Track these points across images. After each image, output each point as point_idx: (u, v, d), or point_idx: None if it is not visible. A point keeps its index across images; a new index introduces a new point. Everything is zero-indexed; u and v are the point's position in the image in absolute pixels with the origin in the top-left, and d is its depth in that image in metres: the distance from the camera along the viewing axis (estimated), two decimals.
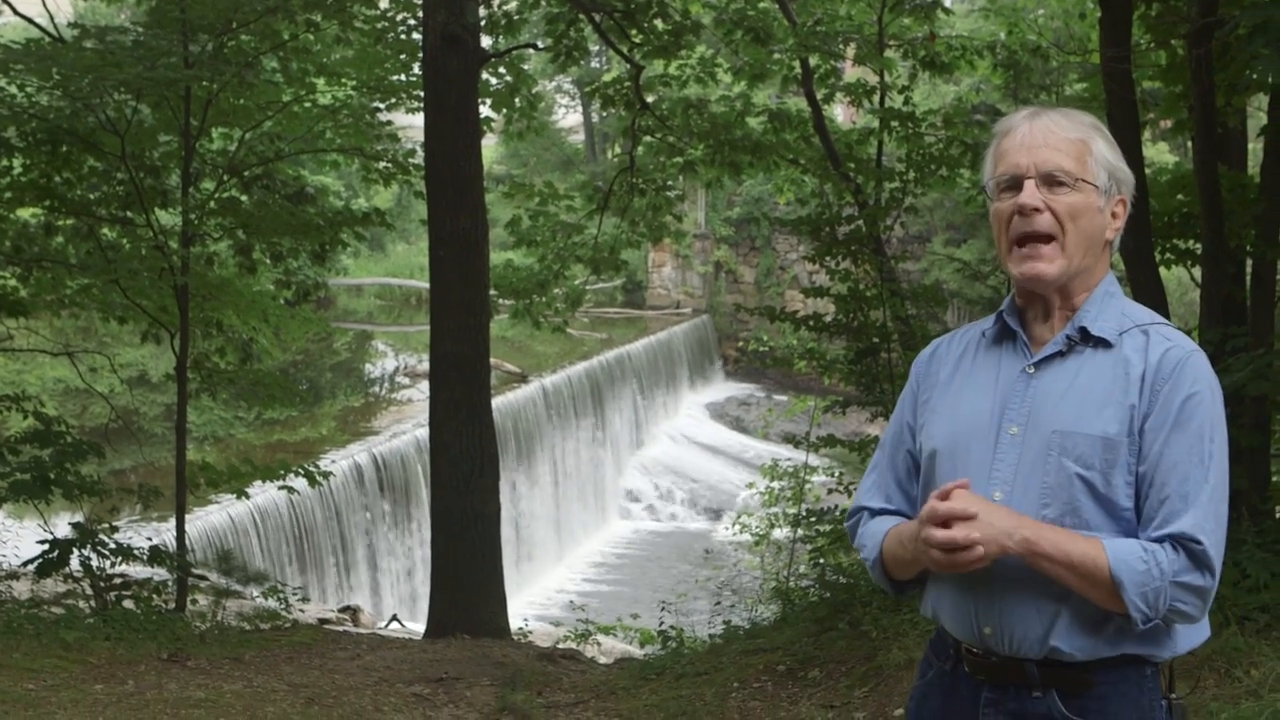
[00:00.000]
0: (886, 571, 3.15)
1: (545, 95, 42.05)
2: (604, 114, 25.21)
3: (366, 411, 28.01)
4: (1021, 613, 2.91)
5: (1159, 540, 2.82)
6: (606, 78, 17.07)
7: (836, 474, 13.53)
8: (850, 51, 15.85)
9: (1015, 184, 2.98)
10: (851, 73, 18.40)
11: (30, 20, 12.89)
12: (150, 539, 12.88)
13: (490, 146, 35.48)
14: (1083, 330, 2.99)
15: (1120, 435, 2.87)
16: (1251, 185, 9.01)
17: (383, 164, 15.12)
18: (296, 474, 13.56)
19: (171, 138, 13.18)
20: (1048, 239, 2.96)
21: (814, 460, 15.17)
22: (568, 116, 54.60)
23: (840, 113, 31.52)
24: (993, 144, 3.09)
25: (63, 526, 11.70)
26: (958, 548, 2.82)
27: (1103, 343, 2.97)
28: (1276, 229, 8.64)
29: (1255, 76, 7.81)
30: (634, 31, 14.99)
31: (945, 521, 2.84)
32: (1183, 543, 2.80)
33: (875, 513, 3.24)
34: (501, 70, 15.62)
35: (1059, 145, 2.97)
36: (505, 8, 15.67)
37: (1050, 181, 2.95)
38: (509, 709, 8.13)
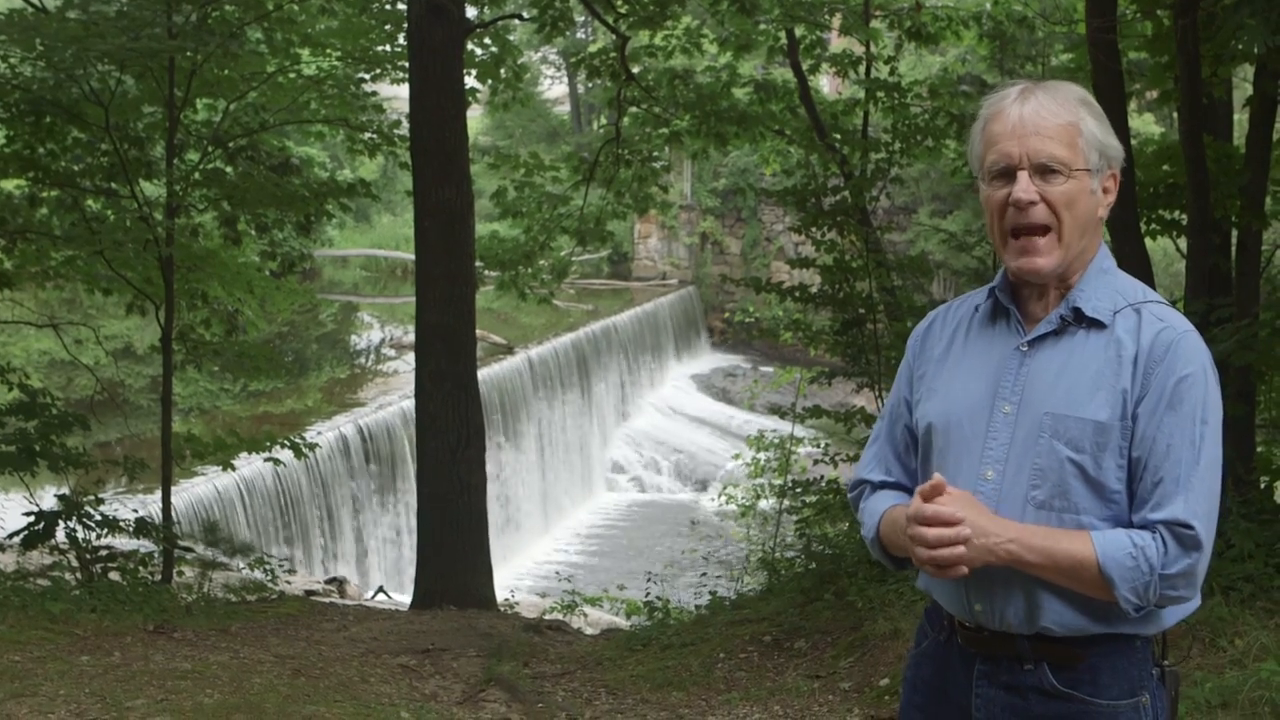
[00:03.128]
0: (885, 549, 3.17)
1: (530, 66, 41.94)
2: (589, 85, 25.11)
3: (352, 383, 27.99)
4: (1011, 593, 2.94)
5: (1150, 525, 2.83)
6: (592, 48, 17.01)
7: (822, 445, 13.53)
8: (836, 22, 15.81)
9: (1008, 174, 2.96)
10: (837, 43, 18.37)
11: None
12: (136, 511, 12.87)
13: (475, 118, 35.37)
14: (1076, 310, 2.98)
15: (1112, 420, 2.87)
16: (1237, 156, 9.02)
17: (368, 135, 15.09)
18: (282, 446, 13.56)
19: (156, 109, 13.14)
20: (1044, 230, 2.96)
21: (800, 431, 15.18)
22: (553, 87, 54.50)
23: (826, 83, 31.42)
24: (980, 124, 3.05)
25: (48, 498, 11.68)
26: (942, 563, 2.85)
27: (1096, 323, 2.96)
28: (1262, 200, 8.66)
29: (1241, 47, 7.82)
30: (619, 2, 14.95)
31: (932, 523, 2.85)
32: (1173, 528, 2.81)
33: (876, 486, 3.26)
34: (487, 41, 15.57)
35: (1051, 133, 2.93)
36: None
37: (1044, 171, 2.93)
38: (495, 680, 8.14)
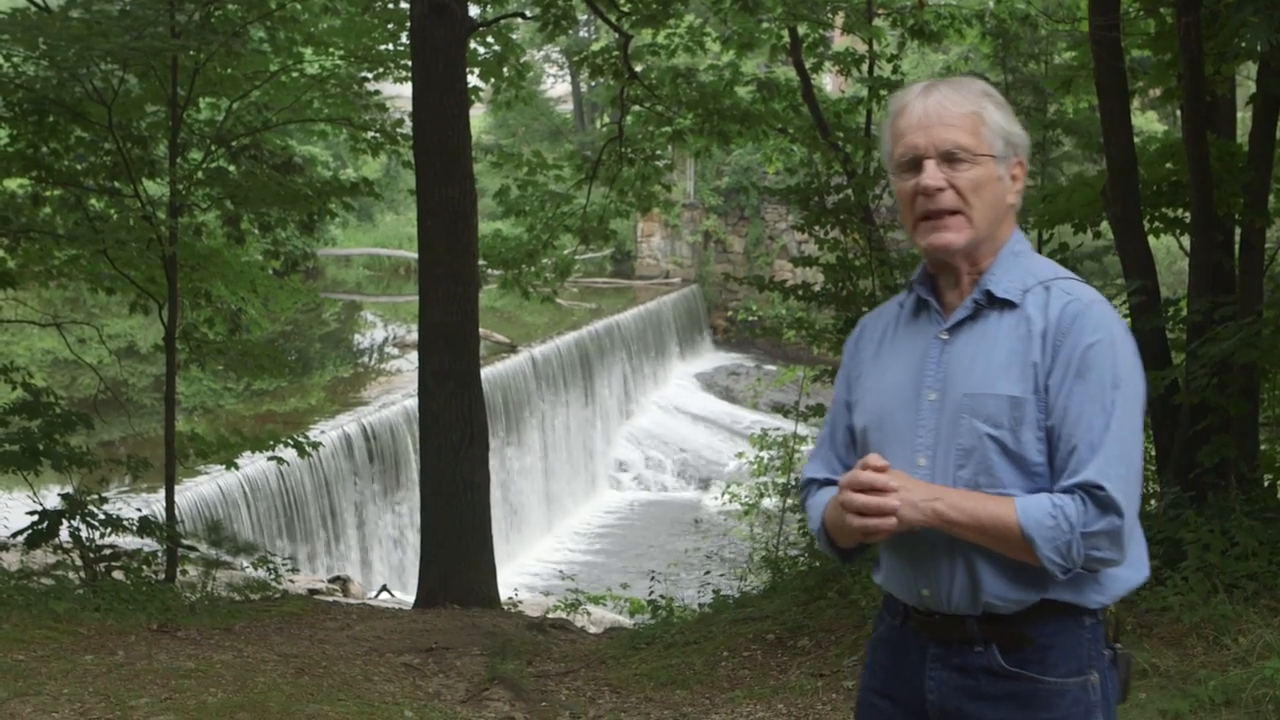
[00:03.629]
0: (831, 539, 3.25)
1: (533, 65, 41.94)
2: (592, 83, 25.11)
3: (356, 382, 28.00)
4: (951, 573, 3.03)
5: (1069, 490, 2.91)
6: (595, 47, 17.03)
7: None
8: (839, 20, 15.79)
9: (915, 164, 3.06)
10: (840, 41, 18.37)
11: None
12: (140, 510, 12.89)
13: (478, 116, 35.37)
14: (988, 293, 3.07)
15: (1026, 393, 2.95)
16: (1240, 154, 9.00)
17: (370, 134, 15.09)
18: (286, 444, 13.57)
19: (158, 108, 13.14)
20: (952, 213, 3.05)
21: (803, 429, 15.17)
22: (556, 86, 54.53)
23: (829, 82, 31.44)
24: (888, 122, 3.16)
25: (52, 498, 11.68)
26: (872, 512, 2.93)
27: (1008, 304, 3.05)
28: (1265, 197, 8.65)
29: (1244, 44, 7.80)
30: (622, 0, 14.94)
31: (864, 488, 2.94)
32: (1088, 490, 2.89)
33: (821, 484, 3.33)
34: (489, 39, 15.57)
35: (954, 121, 3.04)
36: None
37: (950, 159, 3.03)
38: (499, 678, 8.14)
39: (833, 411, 3.38)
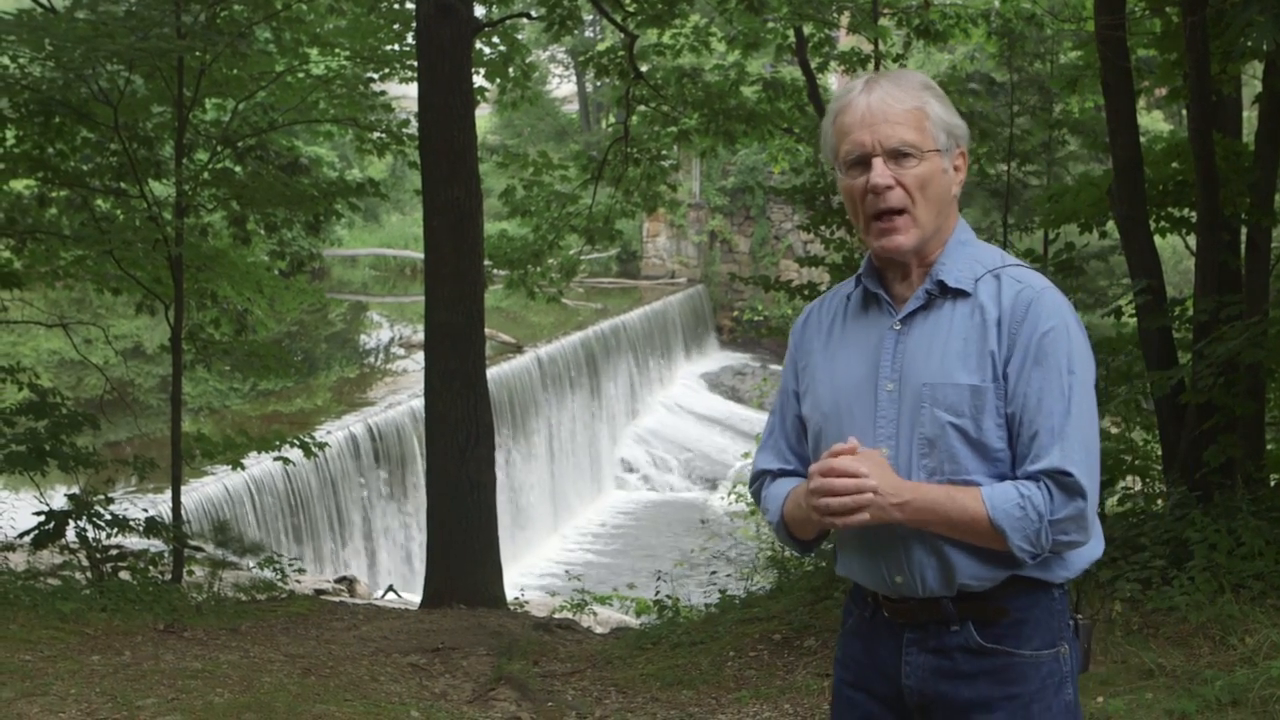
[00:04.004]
0: (790, 532, 3.27)
1: (539, 65, 41.91)
2: (598, 83, 25.14)
3: (362, 382, 28.02)
4: (924, 558, 3.06)
5: (1033, 476, 2.96)
6: (600, 47, 17.00)
7: None
8: (844, 20, 15.78)
9: (863, 161, 3.08)
10: (846, 41, 18.34)
11: None
12: (146, 510, 12.87)
13: (484, 116, 35.36)
14: (940, 283, 3.11)
15: (985, 382, 3.00)
16: (1246, 153, 9.00)
17: (376, 134, 15.10)
18: (292, 445, 13.58)
19: (165, 108, 13.15)
20: (901, 211, 3.08)
21: None
22: (561, 86, 54.49)
23: (835, 81, 31.42)
24: (830, 117, 3.17)
25: (58, 498, 11.69)
26: (846, 510, 2.95)
27: (960, 293, 3.09)
28: (1271, 197, 8.65)
29: (1250, 44, 7.79)
30: (628, 0, 14.94)
31: (834, 476, 2.96)
32: (1054, 476, 2.94)
33: (775, 475, 3.35)
34: (495, 40, 15.57)
35: (899, 118, 3.06)
36: None
37: (897, 156, 3.06)
38: (505, 679, 8.14)
39: (780, 400, 3.39)
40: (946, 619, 3.08)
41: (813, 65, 15.44)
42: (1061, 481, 2.94)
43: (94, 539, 11.04)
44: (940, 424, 3.01)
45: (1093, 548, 3.13)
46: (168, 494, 13.06)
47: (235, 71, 13.18)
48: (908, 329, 3.11)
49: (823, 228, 11.71)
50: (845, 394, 3.16)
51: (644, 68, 16.06)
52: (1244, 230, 8.87)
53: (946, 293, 3.09)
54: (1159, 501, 8.90)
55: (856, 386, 3.14)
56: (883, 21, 15.30)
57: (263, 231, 14.85)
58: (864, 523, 2.95)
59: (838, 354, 3.22)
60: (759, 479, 3.40)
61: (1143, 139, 9.37)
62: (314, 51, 14.60)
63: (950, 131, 3.11)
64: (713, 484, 29.05)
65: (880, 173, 3.04)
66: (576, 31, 15.92)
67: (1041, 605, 3.09)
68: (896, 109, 3.06)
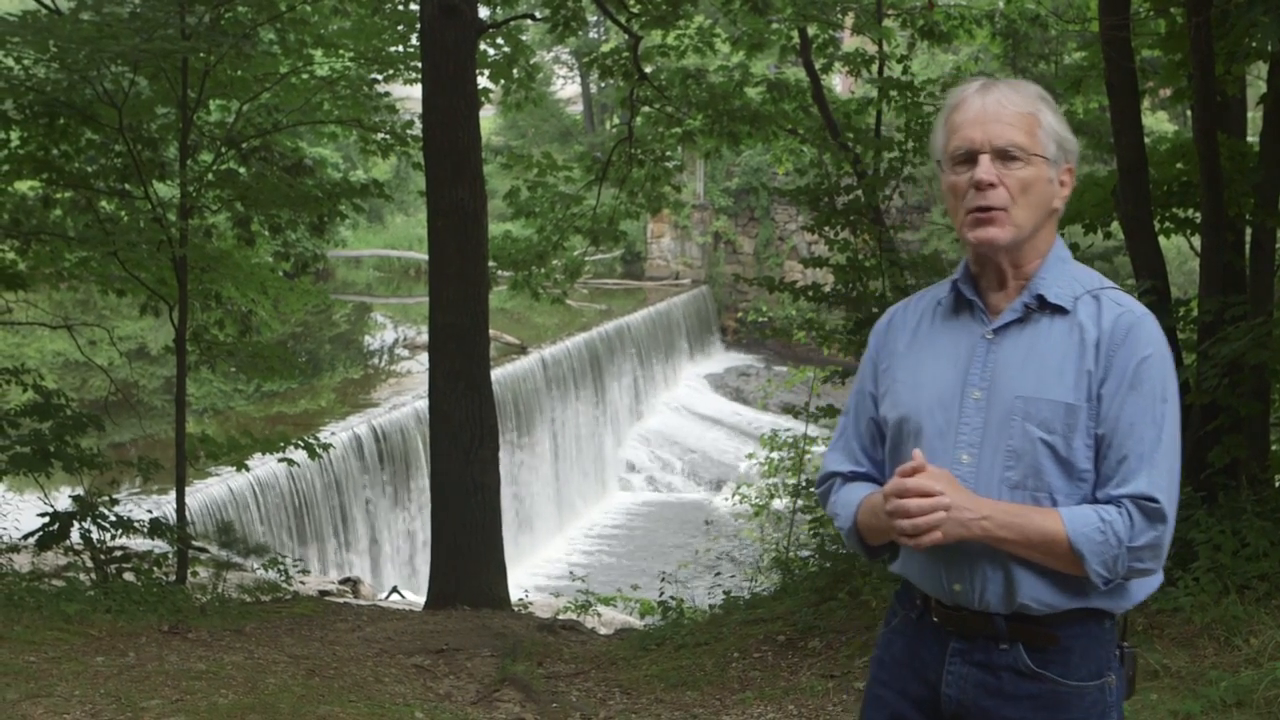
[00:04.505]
0: (861, 539, 3.27)
1: (543, 66, 41.95)
2: (602, 84, 25.19)
3: (366, 383, 28.03)
4: (989, 572, 3.05)
5: (1116, 500, 2.96)
6: (604, 48, 17.02)
7: None
8: (849, 21, 15.81)
9: (970, 158, 3.08)
10: (850, 42, 18.34)
11: None
12: (150, 511, 12.88)
13: (488, 118, 35.42)
14: (1039, 298, 3.10)
15: (1080, 401, 2.99)
16: (1251, 154, 8.99)
17: (381, 135, 15.10)
18: (296, 446, 13.59)
19: (169, 110, 13.16)
20: (1000, 210, 3.07)
21: (813, 430, 15.16)
22: (566, 87, 54.50)
23: (839, 83, 31.43)
24: (944, 114, 3.18)
25: (63, 499, 11.70)
26: (918, 531, 2.95)
27: (1059, 309, 3.08)
28: (1275, 197, 8.63)
29: (1255, 44, 7.80)
30: (632, 1, 14.95)
31: (909, 496, 2.96)
32: (1139, 501, 2.95)
33: (846, 478, 3.35)
34: (499, 41, 15.59)
35: (1011, 120, 3.07)
36: None
37: (1004, 156, 3.06)
38: (509, 680, 8.14)
39: (855, 401, 3.38)
40: (997, 636, 3.08)
41: (817, 66, 15.45)
42: (1145, 508, 2.94)
43: (98, 540, 11.05)
44: (1031, 439, 3.00)
45: (1155, 579, 3.13)
46: (172, 495, 13.06)
47: (239, 73, 13.19)
48: (1000, 339, 3.11)
49: (827, 229, 11.70)
50: (928, 398, 3.16)
51: (648, 69, 16.08)
52: (1249, 231, 8.87)
53: (1045, 308, 3.09)
54: None
55: (941, 392, 3.14)
56: (887, 22, 15.33)
57: (267, 233, 14.85)
58: (938, 542, 2.95)
59: (923, 357, 3.22)
60: (828, 480, 3.39)
61: (1147, 140, 9.35)
62: (318, 53, 14.60)
63: (1061, 144, 3.11)
64: (717, 485, 29.04)
65: (986, 169, 3.05)
66: (581, 33, 15.92)
67: (1091, 634, 3.08)
68: (1010, 111, 3.07)
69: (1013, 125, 3.05)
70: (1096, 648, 3.08)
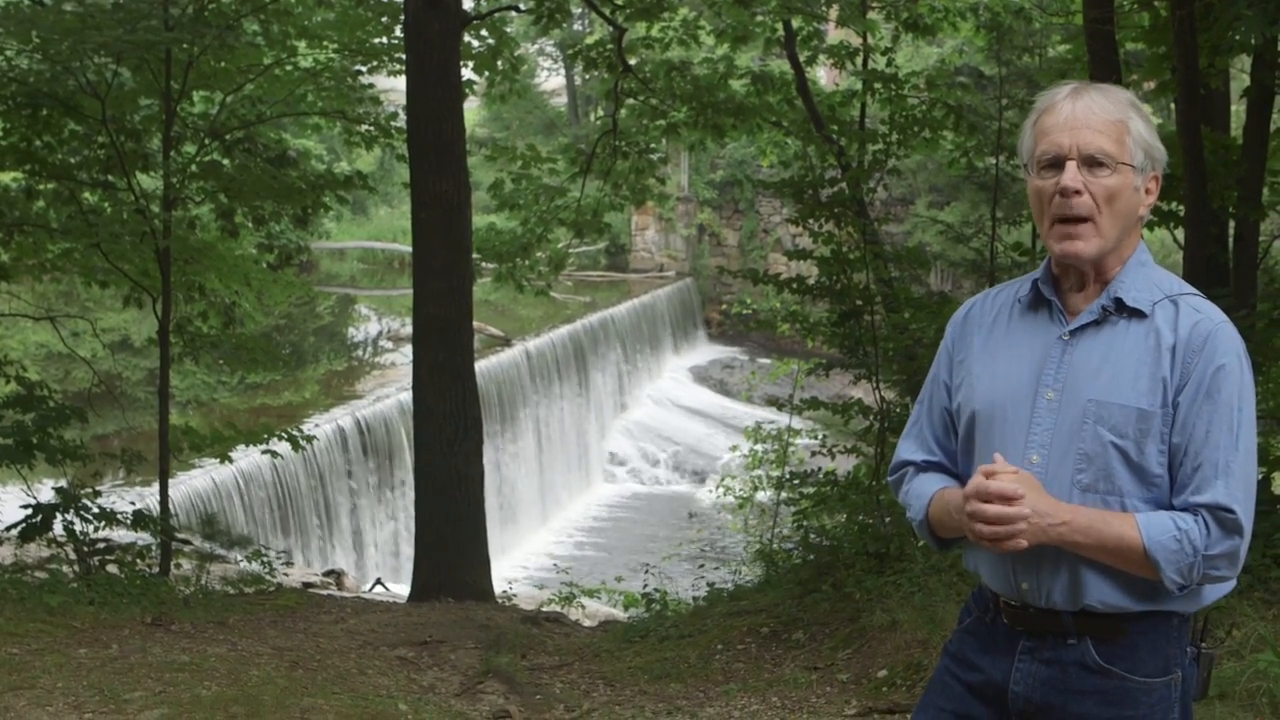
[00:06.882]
0: (932, 531, 3.29)
1: (527, 58, 41.87)
2: (586, 77, 25.18)
3: (350, 375, 28.00)
4: (1057, 572, 3.06)
5: (1192, 508, 2.95)
6: (589, 40, 17.03)
7: (820, 437, 13.56)
8: (833, 13, 15.81)
9: (1057, 164, 3.06)
10: (834, 35, 18.38)
11: None
12: (134, 503, 12.87)
13: (472, 110, 35.36)
14: (1118, 301, 3.08)
15: (1154, 407, 2.98)
16: (1234, 147, 9.02)
17: (364, 127, 15.08)
18: (280, 438, 13.57)
19: (152, 101, 13.14)
20: (1085, 219, 3.05)
21: (797, 423, 15.16)
22: (550, 79, 54.42)
23: (823, 75, 31.46)
24: (1033, 118, 3.15)
25: (46, 491, 11.68)
26: (999, 539, 2.96)
27: (1137, 313, 3.07)
28: (1259, 191, 8.66)
29: (1238, 38, 7.81)
30: None
31: (989, 499, 2.96)
32: (1215, 511, 2.94)
33: (920, 467, 3.36)
34: (483, 33, 15.56)
35: (1100, 127, 3.04)
36: None
37: (1091, 163, 3.03)
38: (493, 672, 8.14)
39: (928, 391, 3.39)
40: (1064, 632, 3.09)
41: (801, 59, 15.46)
42: (1221, 518, 2.93)
43: (81, 532, 11.02)
44: (1103, 442, 3.00)
45: (1229, 583, 3.12)
46: (155, 487, 13.04)
47: (223, 64, 13.16)
48: (1076, 340, 3.10)
49: (811, 221, 11.69)
50: (1001, 394, 3.16)
51: (633, 61, 16.08)
52: (1232, 224, 8.89)
53: (1123, 311, 3.08)
54: None
55: (1015, 389, 3.14)
56: (871, 15, 15.34)
57: (250, 224, 14.84)
58: (1019, 549, 2.96)
59: (999, 353, 3.22)
60: (901, 469, 3.41)
61: None
62: (302, 44, 14.57)
63: (1149, 152, 3.09)
64: (701, 477, 29.04)
65: (1072, 176, 3.02)
66: (565, 24, 15.91)
67: (1159, 631, 3.08)
68: (1100, 118, 3.04)
69: (1102, 132, 3.03)
70: (1164, 644, 3.09)
